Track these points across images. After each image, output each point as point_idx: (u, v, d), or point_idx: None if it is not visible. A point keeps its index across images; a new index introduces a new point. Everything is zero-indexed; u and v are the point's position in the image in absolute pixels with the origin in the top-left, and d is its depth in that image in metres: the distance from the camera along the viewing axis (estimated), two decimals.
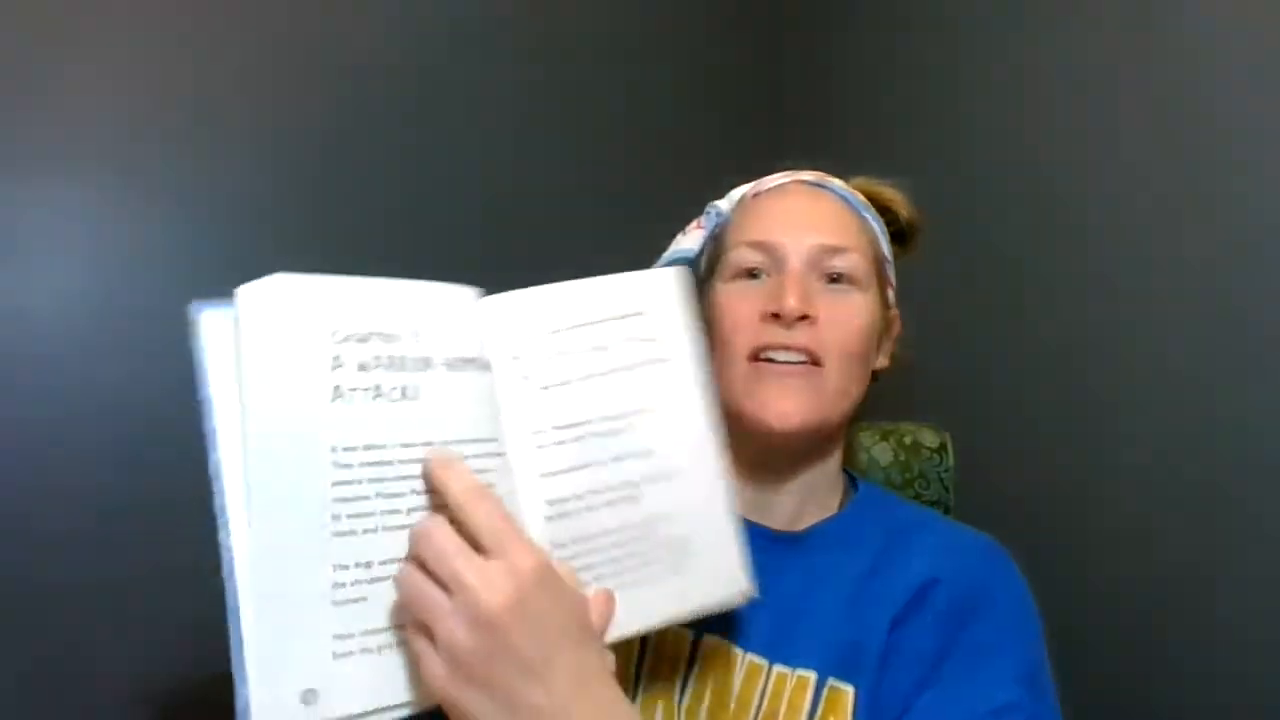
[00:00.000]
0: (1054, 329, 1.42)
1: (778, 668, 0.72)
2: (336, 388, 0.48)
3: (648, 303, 0.61)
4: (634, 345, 0.59)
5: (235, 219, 1.37)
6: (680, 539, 0.60)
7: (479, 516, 0.49)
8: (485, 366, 0.54)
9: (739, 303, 0.77)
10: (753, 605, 0.66)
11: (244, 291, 0.47)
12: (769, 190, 0.84)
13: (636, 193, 1.66)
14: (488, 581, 0.47)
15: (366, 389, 0.49)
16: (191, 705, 1.24)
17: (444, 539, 0.48)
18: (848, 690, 0.70)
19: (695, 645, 0.75)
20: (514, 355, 0.56)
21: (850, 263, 0.77)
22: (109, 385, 1.27)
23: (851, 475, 0.87)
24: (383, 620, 0.49)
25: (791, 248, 0.77)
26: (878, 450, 1.07)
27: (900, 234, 0.87)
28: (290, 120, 1.42)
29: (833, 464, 0.83)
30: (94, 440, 1.26)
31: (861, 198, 0.84)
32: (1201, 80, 1.24)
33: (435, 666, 0.47)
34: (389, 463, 0.49)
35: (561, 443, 0.56)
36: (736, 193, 0.87)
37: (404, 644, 0.50)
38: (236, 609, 0.46)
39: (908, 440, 1.10)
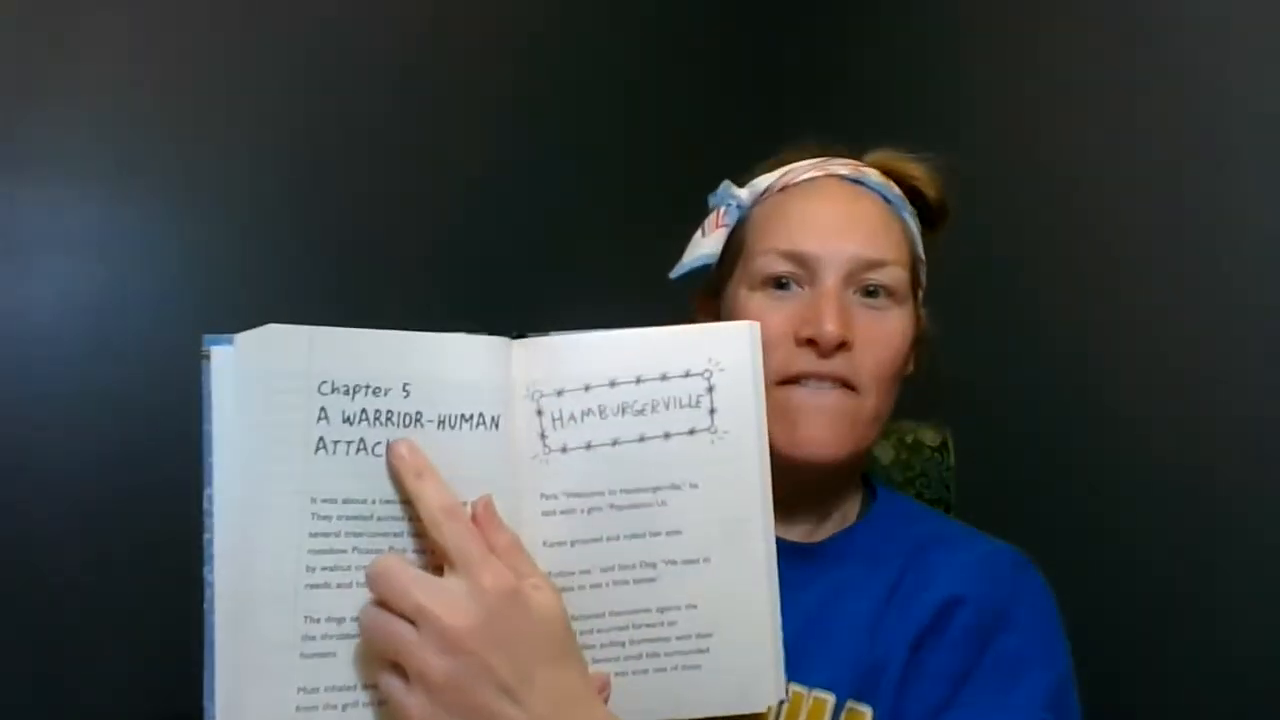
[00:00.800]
0: (1055, 328, 1.42)
1: (794, 687, 0.69)
2: (320, 439, 0.48)
3: (712, 362, 0.54)
4: (684, 413, 0.53)
5: (235, 219, 1.37)
6: (701, 633, 0.53)
7: (446, 535, 0.47)
8: (489, 424, 0.52)
9: (768, 318, 0.68)
10: None
11: (241, 339, 0.48)
12: (799, 185, 0.75)
13: (636, 193, 1.66)
14: (451, 605, 0.45)
15: (350, 441, 0.48)
16: (191, 703, 1.24)
17: (400, 573, 0.46)
18: (865, 712, 0.68)
19: None
20: (537, 409, 0.52)
21: (890, 277, 0.71)
22: (109, 384, 1.27)
23: (866, 478, 0.84)
24: (350, 678, 0.48)
25: (828, 261, 0.70)
26: (878, 449, 1.06)
27: (926, 216, 0.79)
28: (291, 120, 1.42)
29: (855, 475, 0.80)
30: (93, 439, 1.26)
31: (897, 190, 0.76)
32: (1202, 80, 1.24)
33: (411, 705, 0.45)
34: (368, 518, 0.48)
35: (571, 511, 0.52)
36: (760, 182, 0.77)
37: (370, 705, 0.48)
38: (212, 644, 0.46)
39: (909, 439, 1.09)
